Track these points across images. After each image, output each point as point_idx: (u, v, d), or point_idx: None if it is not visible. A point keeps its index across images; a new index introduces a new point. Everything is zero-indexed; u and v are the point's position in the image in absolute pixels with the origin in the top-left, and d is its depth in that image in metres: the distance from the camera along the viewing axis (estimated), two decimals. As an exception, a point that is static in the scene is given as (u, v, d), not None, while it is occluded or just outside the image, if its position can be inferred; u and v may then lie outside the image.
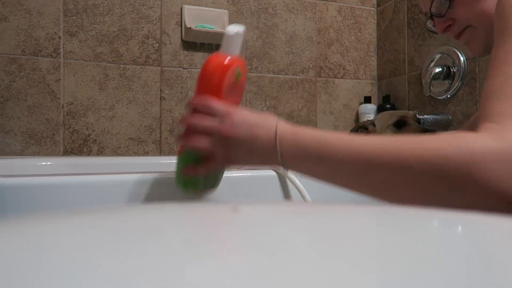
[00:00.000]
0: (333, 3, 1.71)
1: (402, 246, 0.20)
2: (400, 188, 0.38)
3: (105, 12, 1.37)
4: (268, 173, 0.64)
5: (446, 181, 0.35)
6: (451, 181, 0.35)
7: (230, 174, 0.62)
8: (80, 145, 1.34)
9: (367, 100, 1.68)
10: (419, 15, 1.56)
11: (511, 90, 0.38)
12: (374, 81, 1.78)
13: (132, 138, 1.40)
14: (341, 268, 0.16)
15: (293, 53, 1.64)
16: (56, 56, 1.32)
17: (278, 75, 1.60)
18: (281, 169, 0.45)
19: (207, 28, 1.41)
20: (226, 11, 1.50)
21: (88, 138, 1.35)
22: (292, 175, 0.61)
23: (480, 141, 0.35)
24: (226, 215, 0.26)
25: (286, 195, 0.63)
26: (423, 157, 0.36)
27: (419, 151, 0.36)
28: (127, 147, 1.39)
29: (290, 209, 0.31)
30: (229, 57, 0.53)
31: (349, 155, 0.39)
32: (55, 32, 1.32)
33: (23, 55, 1.28)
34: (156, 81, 1.43)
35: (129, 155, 1.39)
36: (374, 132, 1.00)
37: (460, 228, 0.24)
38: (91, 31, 1.36)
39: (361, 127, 1.12)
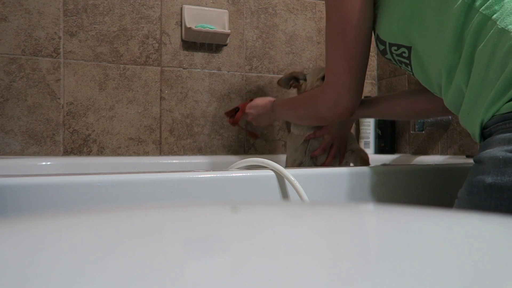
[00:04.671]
0: (333, 3, 1.71)
1: (400, 245, 0.20)
2: (301, 119, 0.99)
3: (105, 12, 1.37)
4: (267, 173, 0.64)
5: (315, 115, 0.87)
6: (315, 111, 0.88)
7: (230, 174, 0.63)
8: (80, 145, 1.34)
9: (367, 100, 1.68)
10: (419, 15, 1.56)
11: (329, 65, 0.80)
12: (374, 81, 1.78)
13: (132, 138, 1.40)
14: (338, 268, 0.16)
15: (293, 53, 1.64)
16: (56, 56, 1.32)
17: (278, 75, 1.60)
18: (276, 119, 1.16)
19: (207, 28, 1.41)
20: (226, 11, 1.50)
21: (88, 138, 1.35)
22: (291, 176, 0.61)
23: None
24: (225, 214, 0.26)
25: (284, 195, 0.63)
26: (307, 106, 0.89)
27: (305, 102, 0.90)
28: (127, 147, 1.39)
29: (289, 209, 0.31)
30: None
31: (287, 108, 1.02)
32: (55, 32, 1.32)
33: (23, 55, 1.28)
34: (156, 81, 1.43)
35: (129, 155, 1.40)
36: (304, 85, 1.17)
37: (459, 228, 0.24)
38: (91, 31, 1.36)
39: (294, 78, 1.23)
